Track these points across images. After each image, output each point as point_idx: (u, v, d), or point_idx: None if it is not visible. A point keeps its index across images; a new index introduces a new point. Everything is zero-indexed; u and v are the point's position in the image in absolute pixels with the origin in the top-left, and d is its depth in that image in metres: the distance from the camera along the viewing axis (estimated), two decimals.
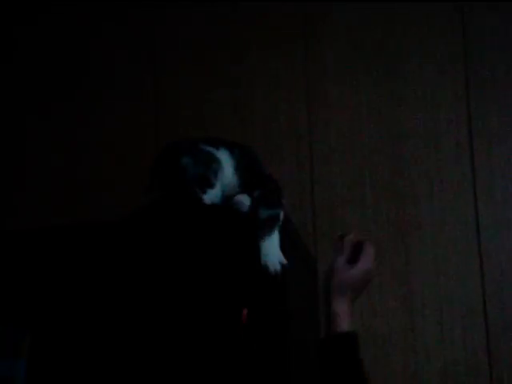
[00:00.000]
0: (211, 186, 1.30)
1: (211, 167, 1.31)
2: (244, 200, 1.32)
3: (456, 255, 1.80)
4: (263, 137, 1.94)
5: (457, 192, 1.83)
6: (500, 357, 1.74)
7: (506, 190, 1.82)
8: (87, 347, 1.39)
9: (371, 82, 1.93)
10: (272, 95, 1.98)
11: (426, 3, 1.93)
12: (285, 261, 1.28)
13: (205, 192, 1.29)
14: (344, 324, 1.26)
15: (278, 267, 1.26)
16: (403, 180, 1.86)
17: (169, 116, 2.02)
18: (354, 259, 1.29)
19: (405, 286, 1.81)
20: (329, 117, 1.94)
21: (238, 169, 1.35)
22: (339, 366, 1.26)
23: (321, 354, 1.28)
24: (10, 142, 2.07)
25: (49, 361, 1.43)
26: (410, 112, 1.90)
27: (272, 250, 1.27)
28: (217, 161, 1.33)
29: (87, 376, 1.38)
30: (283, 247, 1.30)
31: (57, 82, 2.09)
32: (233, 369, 1.22)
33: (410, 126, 1.89)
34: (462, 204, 1.82)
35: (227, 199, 1.33)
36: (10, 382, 1.43)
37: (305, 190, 1.89)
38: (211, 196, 1.29)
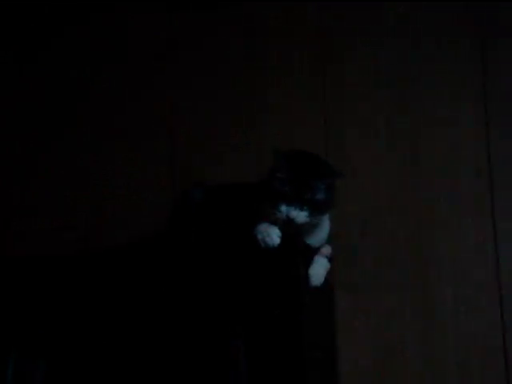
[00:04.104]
0: None
1: None
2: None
3: (473, 261, 1.81)
4: None
5: (474, 210, 1.84)
6: None
7: None
8: (102, 378, 1.39)
9: (389, 103, 1.93)
10: (287, 123, 1.96)
11: (444, 27, 1.94)
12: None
13: None
14: None
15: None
16: (421, 202, 1.87)
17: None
18: None
19: (421, 293, 1.83)
20: (345, 139, 1.93)
21: None
22: None
23: None
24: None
25: None
26: (428, 136, 1.90)
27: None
28: None
29: None
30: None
31: (67, 114, 2.06)
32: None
33: (428, 151, 1.89)
34: (479, 219, 1.84)
35: None
36: None
37: None
38: None
